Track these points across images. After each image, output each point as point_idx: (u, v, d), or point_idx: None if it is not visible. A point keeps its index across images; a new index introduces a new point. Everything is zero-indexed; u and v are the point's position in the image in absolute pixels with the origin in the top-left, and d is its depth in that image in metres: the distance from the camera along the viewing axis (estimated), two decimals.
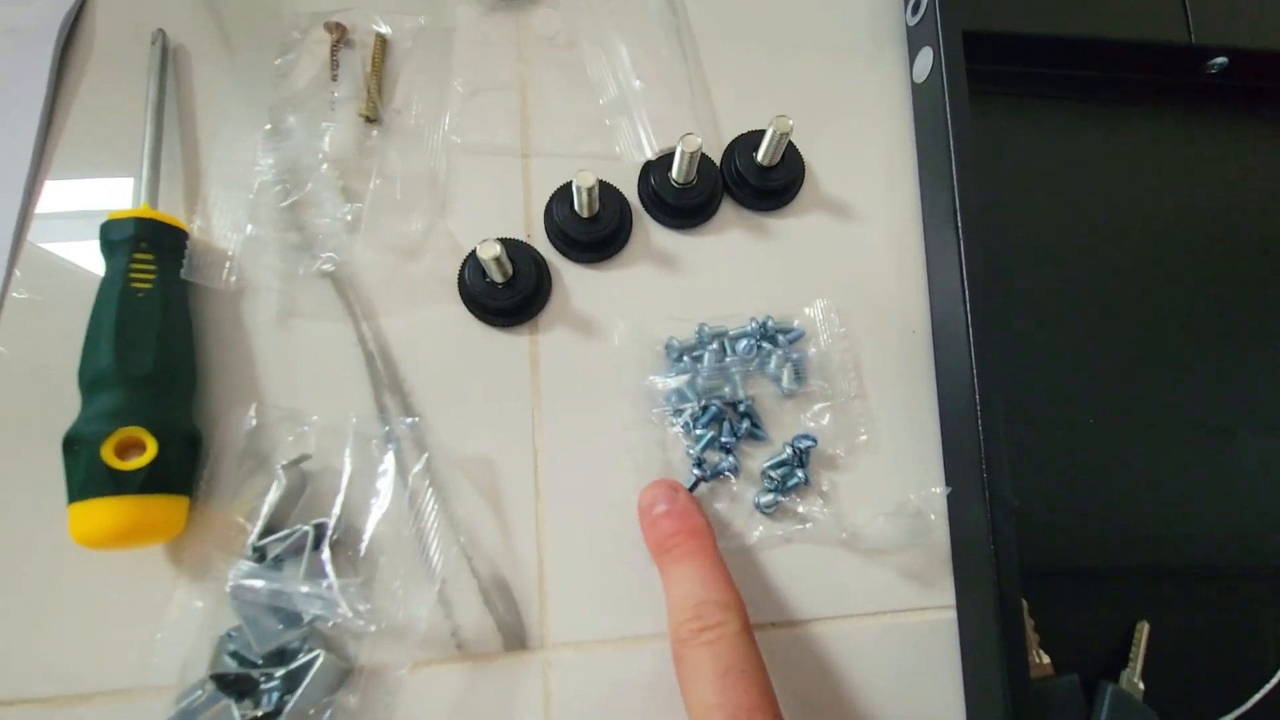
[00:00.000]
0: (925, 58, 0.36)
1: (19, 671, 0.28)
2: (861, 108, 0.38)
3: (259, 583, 0.26)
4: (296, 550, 0.28)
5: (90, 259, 0.31)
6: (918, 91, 0.38)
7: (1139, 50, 0.39)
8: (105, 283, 0.29)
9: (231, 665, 0.27)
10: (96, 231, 0.30)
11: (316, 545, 0.28)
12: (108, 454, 0.26)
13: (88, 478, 0.26)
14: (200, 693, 0.26)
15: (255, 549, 0.27)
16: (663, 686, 0.29)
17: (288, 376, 0.31)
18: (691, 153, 0.31)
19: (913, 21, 0.38)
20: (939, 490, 0.32)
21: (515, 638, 0.30)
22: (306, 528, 0.28)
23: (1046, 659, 0.31)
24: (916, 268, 0.36)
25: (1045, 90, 0.40)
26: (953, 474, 0.33)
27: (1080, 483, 0.35)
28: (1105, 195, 0.39)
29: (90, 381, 0.27)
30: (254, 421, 0.30)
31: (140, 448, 0.27)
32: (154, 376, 0.28)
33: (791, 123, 0.32)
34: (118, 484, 0.26)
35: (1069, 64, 0.40)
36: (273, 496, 0.28)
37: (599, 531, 0.31)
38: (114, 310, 0.28)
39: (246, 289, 0.32)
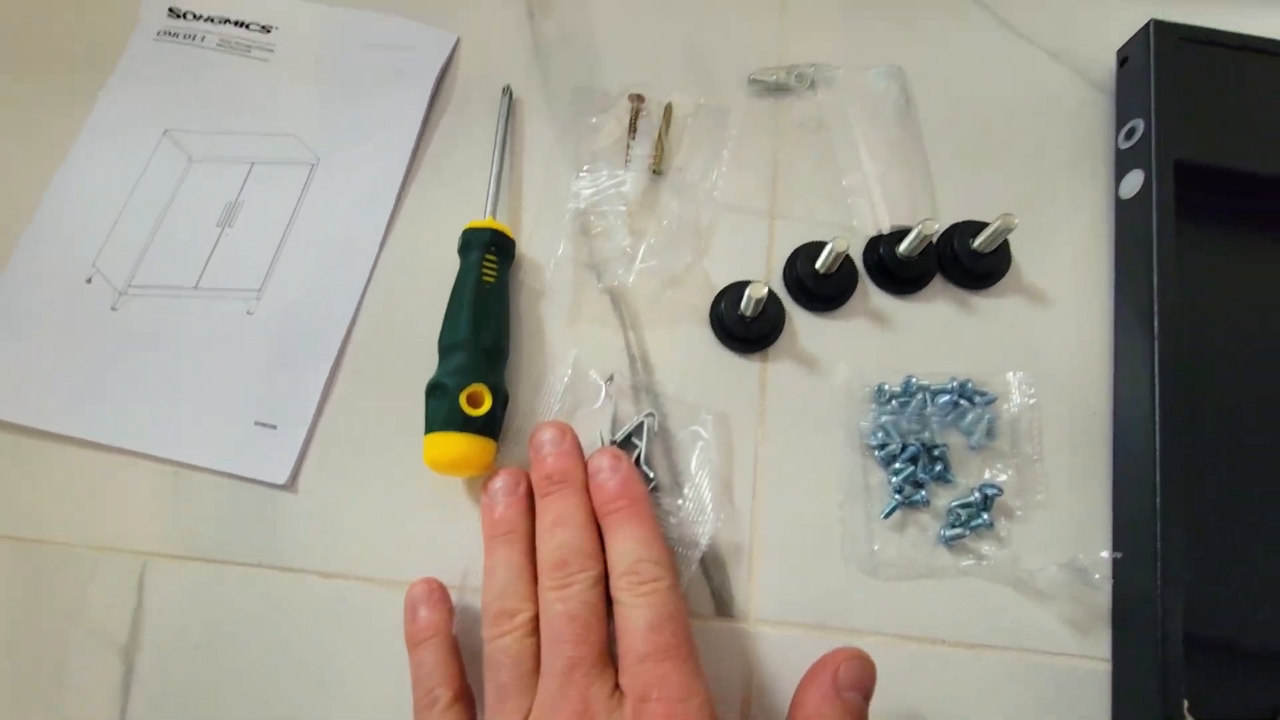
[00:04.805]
0: (1134, 179, 0.41)
1: (356, 554, 0.37)
2: (1064, 211, 0.44)
3: None
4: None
5: (436, 254, 0.41)
6: (1122, 206, 0.43)
7: None
8: (463, 273, 0.38)
9: None
10: (442, 234, 0.40)
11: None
12: (462, 401, 0.35)
13: (448, 416, 0.34)
14: None
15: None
16: None
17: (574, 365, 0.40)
18: (928, 234, 0.38)
19: (1125, 145, 0.43)
20: (1106, 554, 0.36)
21: (725, 605, 0.36)
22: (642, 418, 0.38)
23: None
24: (1101, 360, 0.41)
25: (1257, 222, 0.42)
26: (1122, 543, 0.37)
27: (1248, 566, 0.38)
28: None
29: (449, 345, 0.37)
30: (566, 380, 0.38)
31: (479, 399, 0.36)
32: (494, 348, 0.37)
33: (1017, 221, 0.38)
34: (465, 424, 0.35)
35: None
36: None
37: (804, 531, 0.37)
38: (471, 295, 0.37)
39: (546, 292, 0.41)
